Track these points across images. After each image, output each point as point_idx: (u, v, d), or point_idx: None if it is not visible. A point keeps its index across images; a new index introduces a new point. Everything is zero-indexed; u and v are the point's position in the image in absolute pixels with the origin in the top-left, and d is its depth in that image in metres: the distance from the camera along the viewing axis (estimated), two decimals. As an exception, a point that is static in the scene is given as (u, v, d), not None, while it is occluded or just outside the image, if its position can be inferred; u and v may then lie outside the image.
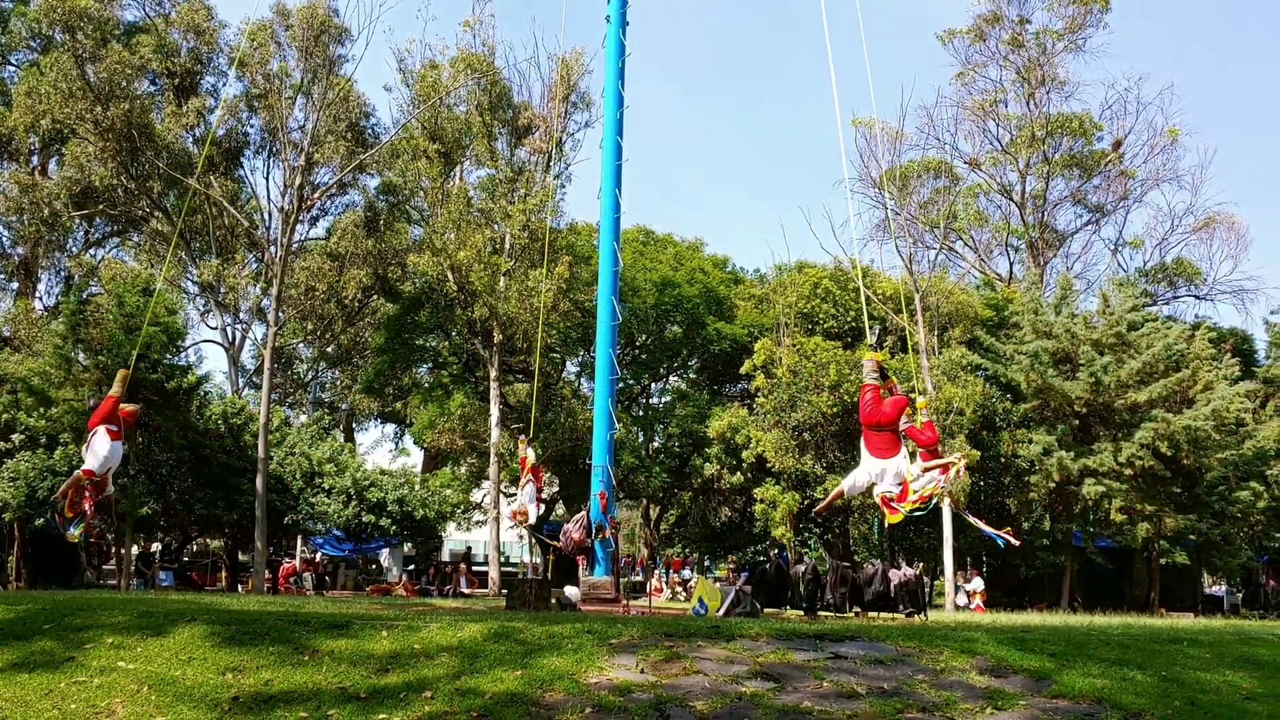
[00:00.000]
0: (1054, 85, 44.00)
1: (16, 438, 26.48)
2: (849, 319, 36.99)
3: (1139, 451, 29.22)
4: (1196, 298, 47.66)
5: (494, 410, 32.62)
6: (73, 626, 9.12)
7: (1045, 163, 44.10)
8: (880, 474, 11.73)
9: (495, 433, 32.52)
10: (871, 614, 21.04)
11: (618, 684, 7.58)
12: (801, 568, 21.86)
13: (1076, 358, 31.49)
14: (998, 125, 45.51)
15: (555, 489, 41.33)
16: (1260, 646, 10.41)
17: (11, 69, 41.22)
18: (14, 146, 38.92)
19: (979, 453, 30.19)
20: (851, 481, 12.31)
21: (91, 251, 43.53)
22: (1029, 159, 44.13)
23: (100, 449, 13.05)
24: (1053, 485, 30.72)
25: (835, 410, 31.03)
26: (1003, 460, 32.05)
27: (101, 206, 37.11)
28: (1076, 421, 31.64)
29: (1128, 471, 29.41)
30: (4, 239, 42.47)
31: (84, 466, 13.06)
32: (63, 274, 42.00)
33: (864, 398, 12.07)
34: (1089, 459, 29.87)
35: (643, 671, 7.93)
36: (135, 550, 32.34)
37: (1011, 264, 48.29)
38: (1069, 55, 44.67)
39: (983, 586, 32.10)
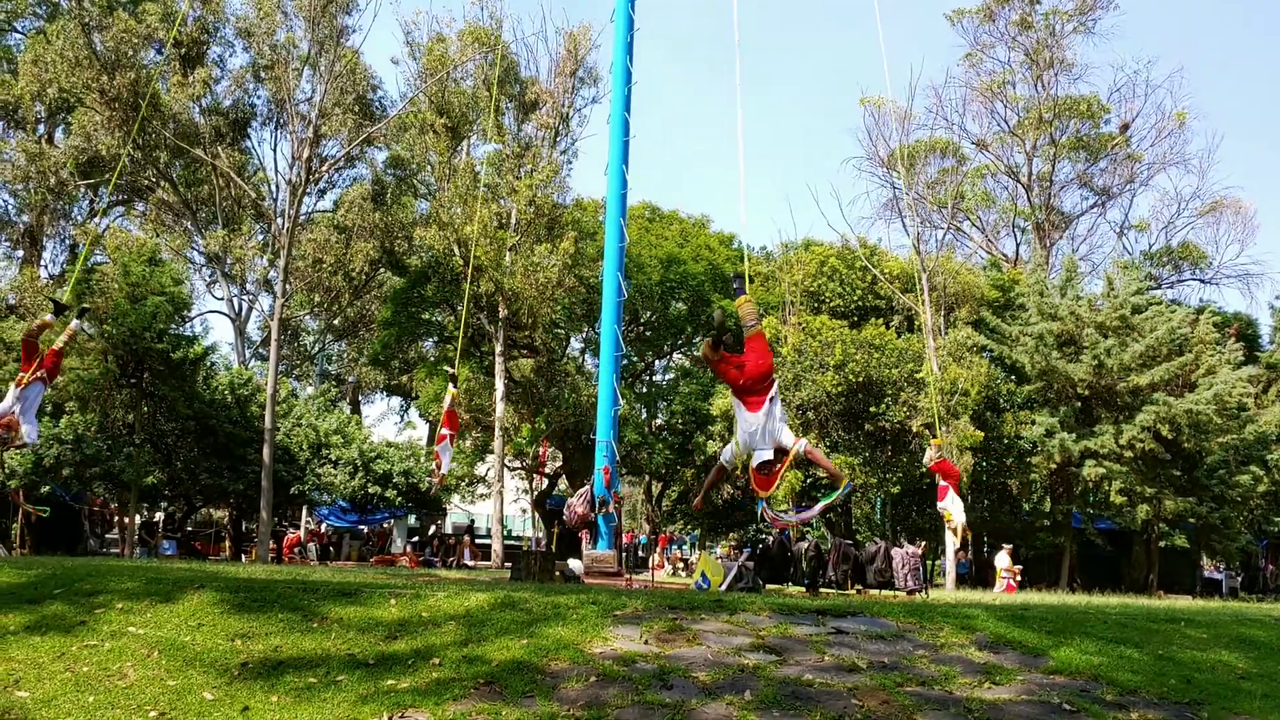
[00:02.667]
0: (1062, 67, 43.84)
1: (22, 406, 26.56)
2: (856, 298, 37.01)
3: (1140, 434, 29.31)
4: (1202, 281, 47.67)
5: (499, 385, 32.74)
6: (83, 592, 9.20)
7: (1052, 145, 44.00)
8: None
9: (500, 407, 32.65)
10: (873, 591, 21.17)
11: (622, 654, 7.67)
12: (804, 545, 21.98)
13: (1080, 340, 31.53)
14: (1005, 106, 45.39)
15: (559, 463, 41.52)
16: (1256, 628, 10.50)
17: (18, 36, 41.19)
18: (20, 115, 38.91)
19: (982, 434, 30.29)
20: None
21: (97, 220, 43.62)
22: (1036, 141, 44.02)
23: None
24: (1054, 467, 30.85)
25: (840, 389, 31.11)
26: (1005, 441, 32.15)
27: (107, 175, 37.16)
28: (1079, 404, 31.72)
29: (1128, 454, 29.51)
30: (10, 207, 42.57)
31: None
32: (68, 242, 42.08)
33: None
34: (1090, 441, 29.97)
35: (646, 642, 8.02)
36: (139, 519, 32.55)
37: (1018, 245, 48.29)
38: (1078, 37, 44.55)
39: (1008, 563, 29.20)
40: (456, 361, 25.78)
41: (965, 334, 32.36)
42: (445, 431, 19.91)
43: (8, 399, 12.85)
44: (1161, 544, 33.10)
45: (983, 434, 30.28)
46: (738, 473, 10.81)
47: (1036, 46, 43.73)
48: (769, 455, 10.38)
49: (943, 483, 20.67)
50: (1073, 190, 46.73)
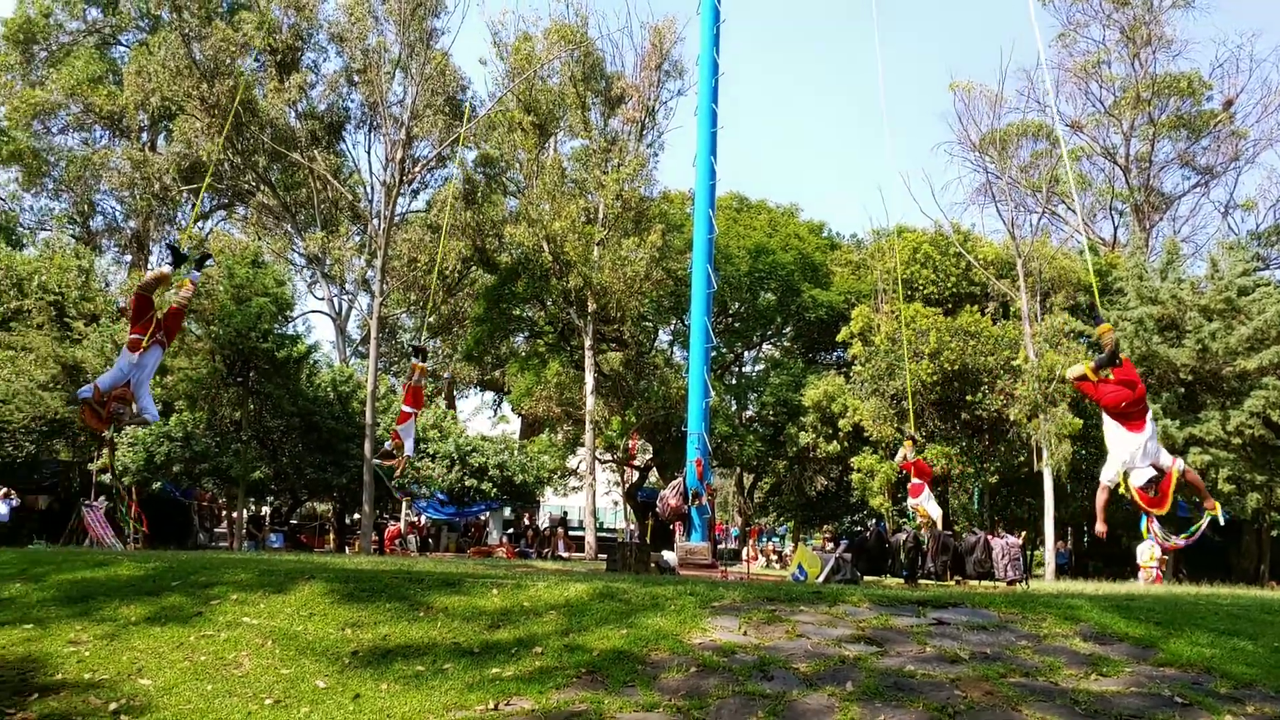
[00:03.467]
0: (1160, 44, 42.50)
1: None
2: (950, 285, 36.44)
3: (1249, 420, 28.37)
4: (1313, 262, 45.85)
5: (589, 378, 32.96)
6: (198, 584, 9.52)
7: (1151, 124, 42.73)
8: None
9: (590, 400, 32.87)
10: (972, 582, 20.91)
11: (721, 645, 7.71)
12: (902, 536, 21.79)
13: (1183, 324, 30.63)
14: (1100, 87, 44.21)
15: (649, 456, 41.65)
16: (1377, 619, 10.14)
17: (122, 49, 42.66)
18: (125, 124, 40.36)
19: (1081, 421, 29.64)
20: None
21: (200, 225, 45.01)
22: (1134, 120, 42.80)
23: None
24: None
25: (935, 378, 30.67)
26: (1106, 429, 31.37)
27: (209, 180, 38.31)
28: (1182, 390, 30.82)
29: (1236, 441, 28.59)
30: (118, 213, 44.16)
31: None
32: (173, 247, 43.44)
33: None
34: (1195, 428, 29.11)
35: (745, 633, 8.05)
36: (246, 513, 33.53)
37: (1116, 228, 47.04)
38: (1177, 12, 43.12)
39: (1157, 552, 26.97)
40: (423, 334, 25.71)
41: (1062, 319, 31.65)
42: (408, 410, 17.93)
43: (119, 366, 10.49)
44: (1274, 533, 31.97)
45: (1081, 421, 29.62)
46: (1120, 490, 11.06)
47: (1133, 23, 42.47)
48: (1150, 474, 10.66)
49: (916, 481, 20.99)
50: (1173, 170, 45.41)
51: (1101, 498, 11.40)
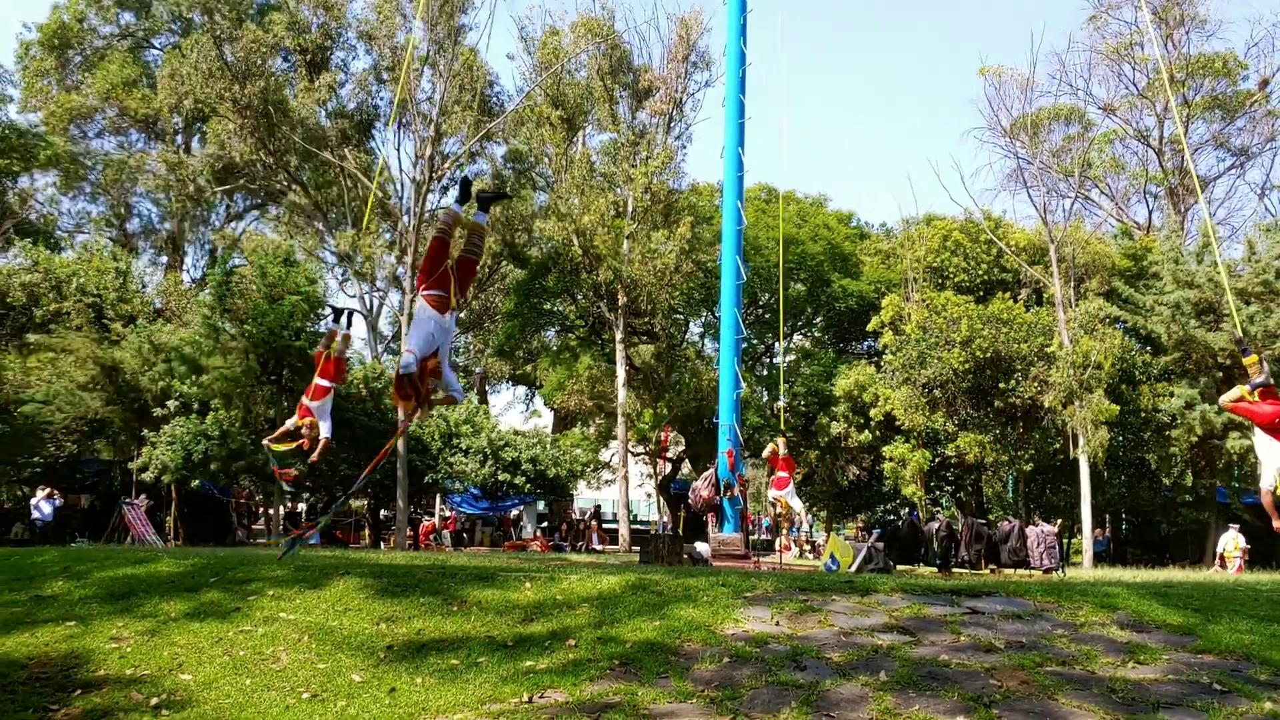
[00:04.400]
0: (1194, 24, 41.90)
1: (172, 404, 27.88)
2: (980, 272, 36.20)
3: (1290, 404, 28.00)
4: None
5: (620, 372, 33.01)
6: (236, 580, 9.63)
7: (1185, 105, 42.19)
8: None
9: (622, 394, 32.92)
10: (1007, 571, 20.79)
11: (754, 635, 7.71)
12: (935, 525, 21.70)
13: (1220, 308, 30.27)
14: (1133, 68, 43.66)
15: (682, 448, 41.68)
16: None
17: (155, 52, 43.09)
18: (159, 127, 40.80)
19: (1118, 407, 29.37)
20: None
21: (233, 225, 45.41)
22: (1167, 102, 42.27)
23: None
24: (1195, 440, 29.70)
25: (967, 366, 30.48)
26: (1143, 415, 31.08)
27: (242, 181, 38.63)
28: (1220, 374, 30.46)
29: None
30: (154, 215, 44.65)
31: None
32: (207, 247, 43.92)
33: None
34: (1235, 413, 28.77)
35: (778, 624, 8.05)
36: (283, 510, 33.83)
37: (1150, 211, 46.48)
38: (1211, -10, 42.54)
39: (1242, 542, 27.21)
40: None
41: (1097, 305, 31.35)
42: (324, 383, 14.67)
43: (427, 331, 9.52)
44: (1316, 519, 31.57)
45: (1118, 408, 29.34)
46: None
47: (1166, 4, 41.90)
48: None
49: (782, 474, 21.87)
50: (1208, 152, 44.79)
51: (1268, 500, 13.36)
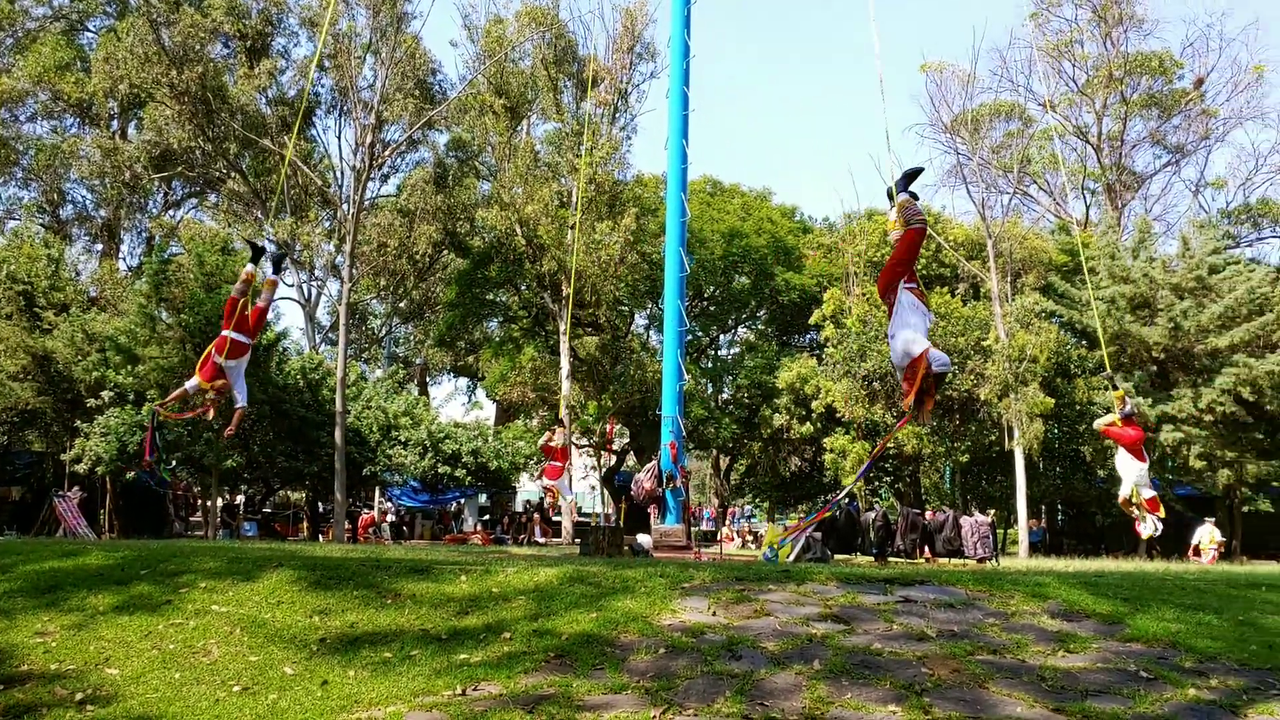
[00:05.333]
0: (1132, 23, 42.62)
1: (106, 395, 27.37)
2: (920, 267, 36.54)
3: (1220, 397, 28.65)
4: (1282, 239, 46.26)
5: (564, 363, 32.92)
6: (167, 572, 9.49)
7: (1123, 103, 42.92)
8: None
9: (566, 385, 32.83)
10: (942, 560, 21.05)
11: (690, 626, 7.74)
12: (872, 515, 21.91)
13: (1155, 303, 30.87)
14: (1073, 66, 44.33)
15: (626, 440, 41.71)
16: (1341, 591, 10.28)
17: (90, 35, 42.13)
18: (94, 111, 39.88)
19: (1053, 400, 29.85)
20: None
21: (171, 212, 44.57)
22: (1106, 99, 42.96)
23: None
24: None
25: (906, 359, 30.79)
26: (1078, 408, 31.64)
27: (180, 168, 37.92)
28: (1154, 368, 31.09)
29: (1208, 418, 28.87)
30: (88, 202, 43.70)
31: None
32: (144, 235, 43.08)
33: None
34: (1167, 405, 29.38)
35: (714, 614, 8.08)
36: (220, 502, 33.36)
37: (1088, 207, 47.26)
38: (1148, -9, 43.23)
39: (1217, 535, 27.46)
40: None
41: (1033, 300, 31.85)
42: (241, 339, 12.00)
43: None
44: (1245, 509, 32.34)
45: (1053, 401, 29.83)
46: (1134, 500, 16.41)
47: (1105, 3, 42.57)
48: (1153, 491, 16.65)
49: (556, 464, 22.26)
50: (1145, 149, 45.62)
51: (1124, 506, 16.86)
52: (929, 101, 37.70)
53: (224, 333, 11.67)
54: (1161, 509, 16.48)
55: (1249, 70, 43.61)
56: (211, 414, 12.31)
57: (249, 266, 12.40)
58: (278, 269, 13.45)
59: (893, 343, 8.40)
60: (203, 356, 12.13)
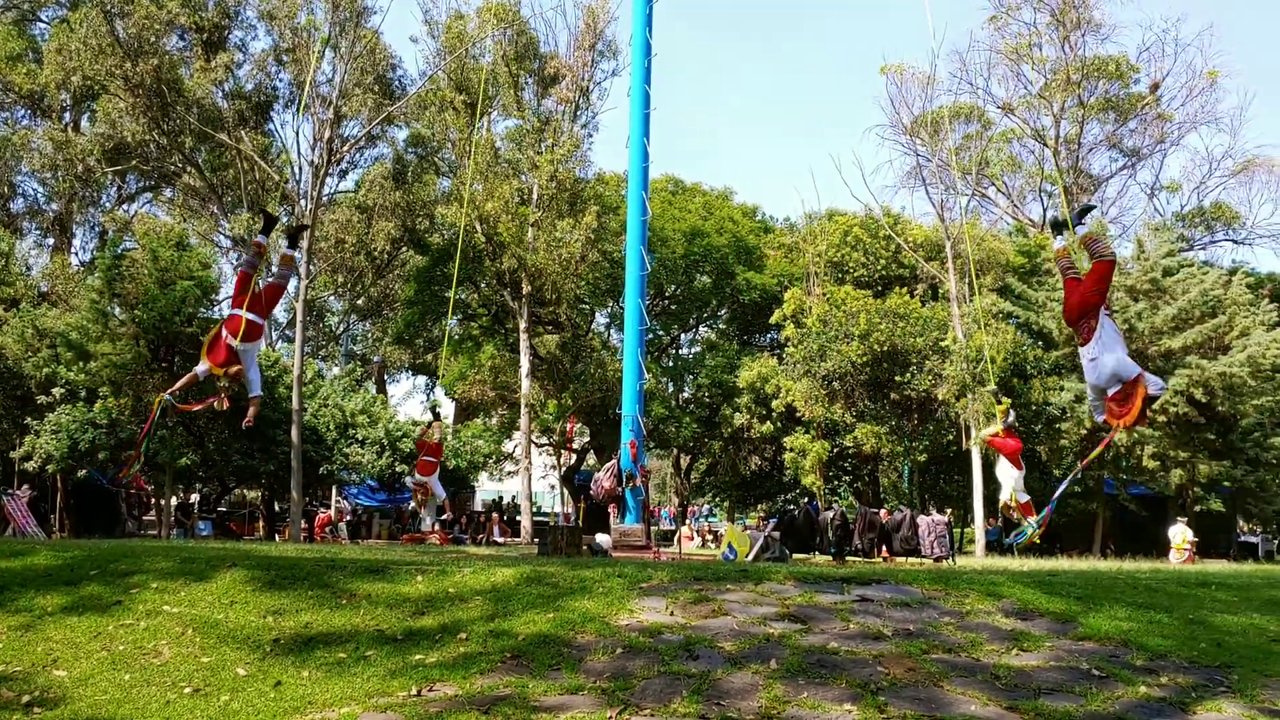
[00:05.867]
0: (1089, 27, 43.11)
1: (57, 391, 26.94)
2: (879, 267, 36.86)
3: (1173, 398, 29.05)
4: (1235, 242, 46.98)
5: (524, 361, 32.79)
6: (118, 572, 9.37)
7: (1080, 106, 43.42)
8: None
9: (526, 384, 32.72)
10: (899, 559, 21.19)
11: (647, 626, 7.73)
12: (830, 514, 22.01)
13: (1110, 304, 31.23)
14: (1032, 69, 44.78)
15: (587, 439, 41.64)
16: (1288, 590, 10.46)
17: (43, 26, 41.45)
18: (46, 103, 39.24)
19: (1009, 401, 30.12)
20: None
21: (125, 207, 43.94)
22: (1064, 103, 43.44)
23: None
24: (1084, 432, 30.64)
25: (865, 359, 31.01)
26: (1034, 408, 31.98)
27: (134, 162, 37.39)
28: (1110, 369, 31.44)
29: (1161, 418, 29.26)
30: (39, 195, 42.99)
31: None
32: (97, 229, 42.45)
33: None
34: (1122, 406, 29.71)
35: (672, 614, 8.08)
36: (175, 501, 32.92)
37: (1045, 210, 47.74)
38: (1105, -4, 43.79)
39: (1189, 534, 28.22)
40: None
41: (990, 301, 32.15)
42: (255, 319, 10.81)
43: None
44: (1197, 508, 32.84)
45: (1009, 401, 30.10)
46: (1013, 504, 18.13)
47: (1063, 6, 42.99)
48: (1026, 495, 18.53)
49: (430, 459, 22.45)
50: (1101, 152, 46.17)
51: (1004, 510, 18.76)
52: (889, 103, 37.89)
53: (235, 311, 10.53)
54: (1034, 513, 17.54)
55: (1203, 75, 44.28)
56: (226, 404, 10.91)
57: (260, 238, 11.39)
58: (294, 244, 12.08)
59: (1097, 364, 8.98)
60: (210, 337, 10.95)
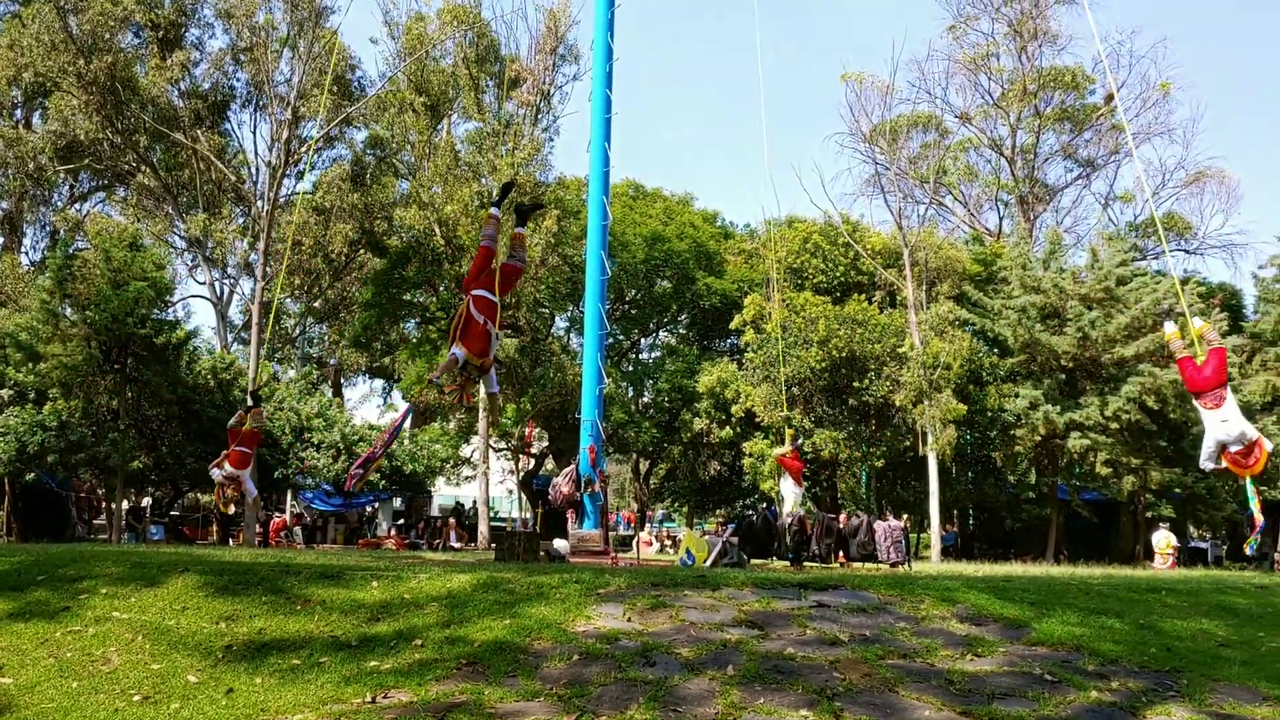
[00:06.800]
0: (1046, 38, 43.71)
1: (5, 393, 26.47)
2: (838, 274, 37.08)
3: (1125, 405, 29.42)
4: (1186, 252, 47.70)
5: (483, 365, 32.60)
6: (67, 578, 9.21)
7: (1036, 116, 43.95)
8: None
9: (484, 388, 32.53)
10: (856, 565, 21.29)
11: (605, 632, 7.70)
12: (788, 519, 22.06)
13: (1064, 312, 31.61)
14: (989, 79, 45.29)
15: (545, 443, 41.51)
16: (1236, 596, 10.63)
17: (-7, 20, 40.70)
18: (-3, 100, 38.55)
19: (965, 407, 30.40)
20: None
21: (77, 206, 43.27)
22: (1020, 113, 43.96)
23: None
24: (1039, 439, 30.97)
25: (824, 365, 31.18)
26: (989, 414, 32.30)
27: (87, 161, 36.83)
28: (1063, 376, 31.84)
29: (1114, 425, 29.63)
30: (-11, 194, 42.19)
31: None
32: (48, 229, 41.74)
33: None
34: (1075, 413, 30.08)
35: (629, 620, 8.06)
36: (126, 504, 32.43)
37: (1001, 219, 48.30)
38: (1061, 8, 44.35)
39: (1173, 540, 29.12)
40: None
41: (947, 308, 32.43)
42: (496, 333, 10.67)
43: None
44: (1148, 514, 33.28)
45: (965, 407, 30.39)
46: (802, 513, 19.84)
47: (1020, 18, 43.59)
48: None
49: (247, 450, 22.25)
50: (1057, 162, 46.76)
51: (787, 523, 21.06)
52: (849, 111, 38.16)
53: (479, 292, 9.83)
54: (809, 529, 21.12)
55: (1156, 87, 44.98)
56: (472, 400, 9.84)
57: (494, 210, 10.70)
58: (523, 220, 11.33)
59: (1229, 425, 11.91)
60: (457, 321, 10.09)
